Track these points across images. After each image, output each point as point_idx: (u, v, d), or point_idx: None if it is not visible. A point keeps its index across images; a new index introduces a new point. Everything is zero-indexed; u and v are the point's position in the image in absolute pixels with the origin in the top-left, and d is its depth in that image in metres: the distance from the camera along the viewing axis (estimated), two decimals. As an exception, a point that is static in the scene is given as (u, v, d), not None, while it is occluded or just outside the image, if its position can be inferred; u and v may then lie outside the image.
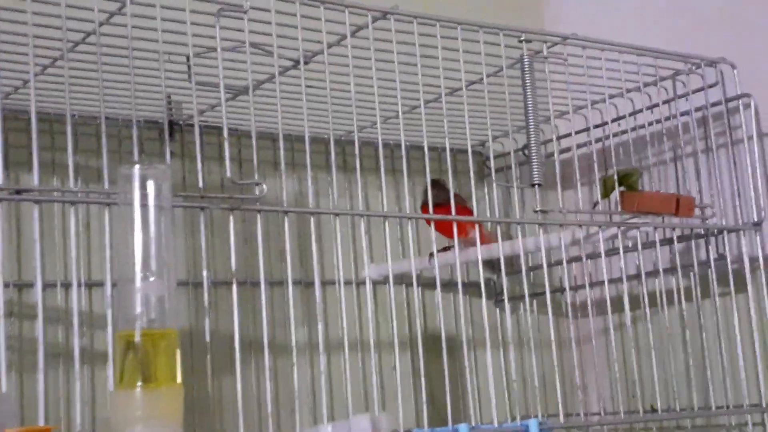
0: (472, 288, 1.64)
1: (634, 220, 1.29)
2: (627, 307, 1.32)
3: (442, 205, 1.34)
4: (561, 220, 1.25)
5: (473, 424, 1.13)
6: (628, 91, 1.40)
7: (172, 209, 0.95)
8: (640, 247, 1.32)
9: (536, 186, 1.21)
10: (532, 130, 1.21)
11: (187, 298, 1.42)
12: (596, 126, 1.51)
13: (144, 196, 0.93)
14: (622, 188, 1.30)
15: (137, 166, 0.92)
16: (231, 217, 1.05)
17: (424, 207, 1.39)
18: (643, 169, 1.43)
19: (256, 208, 1.05)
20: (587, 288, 1.28)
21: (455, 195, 1.42)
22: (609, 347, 1.47)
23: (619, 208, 1.29)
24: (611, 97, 1.38)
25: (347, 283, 1.53)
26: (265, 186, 1.04)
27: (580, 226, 1.27)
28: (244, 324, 1.40)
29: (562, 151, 1.48)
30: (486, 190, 1.71)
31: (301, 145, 1.30)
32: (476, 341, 1.56)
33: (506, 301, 1.21)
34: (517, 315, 1.64)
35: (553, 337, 1.24)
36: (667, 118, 1.46)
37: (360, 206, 1.14)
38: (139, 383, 0.91)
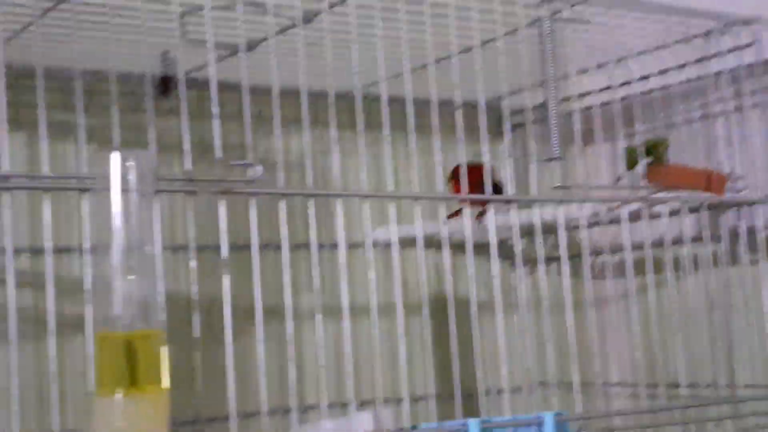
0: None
1: (660, 195, 1.19)
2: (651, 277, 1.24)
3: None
4: (582, 197, 1.15)
5: (484, 417, 1.06)
6: (656, 48, 1.29)
7: (153, 196, 0.87)
8: (667, 220, 1.21)
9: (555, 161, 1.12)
10: (552, 97, 1.11)
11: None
12: (621, 85, 1.41)
13: (124, 183, 0.85)
14: (649, 159, 1.20)
15: (117, 153, 0.84)
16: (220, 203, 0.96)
17: (454, 181, 1.31)
18: (669, 134, 1.33)
19: (247, 192, 0.96)
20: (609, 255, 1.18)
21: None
22: (630, 316, 1.39)
23: (645, 182, 1.19)
24: (638, 54, 1.27)
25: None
26: (258, 168, 0.95)
27: (603, 202, 1.17)
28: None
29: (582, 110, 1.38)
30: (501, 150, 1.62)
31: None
32: (492, 307, 1.49)
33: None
34: (534, 278, 1.56)
35: (570, 302, 1.16)
36: (697, 79, 1.35)
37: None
38: (120, 390, 0.84)
